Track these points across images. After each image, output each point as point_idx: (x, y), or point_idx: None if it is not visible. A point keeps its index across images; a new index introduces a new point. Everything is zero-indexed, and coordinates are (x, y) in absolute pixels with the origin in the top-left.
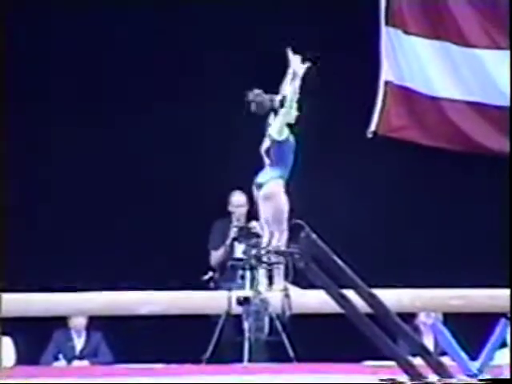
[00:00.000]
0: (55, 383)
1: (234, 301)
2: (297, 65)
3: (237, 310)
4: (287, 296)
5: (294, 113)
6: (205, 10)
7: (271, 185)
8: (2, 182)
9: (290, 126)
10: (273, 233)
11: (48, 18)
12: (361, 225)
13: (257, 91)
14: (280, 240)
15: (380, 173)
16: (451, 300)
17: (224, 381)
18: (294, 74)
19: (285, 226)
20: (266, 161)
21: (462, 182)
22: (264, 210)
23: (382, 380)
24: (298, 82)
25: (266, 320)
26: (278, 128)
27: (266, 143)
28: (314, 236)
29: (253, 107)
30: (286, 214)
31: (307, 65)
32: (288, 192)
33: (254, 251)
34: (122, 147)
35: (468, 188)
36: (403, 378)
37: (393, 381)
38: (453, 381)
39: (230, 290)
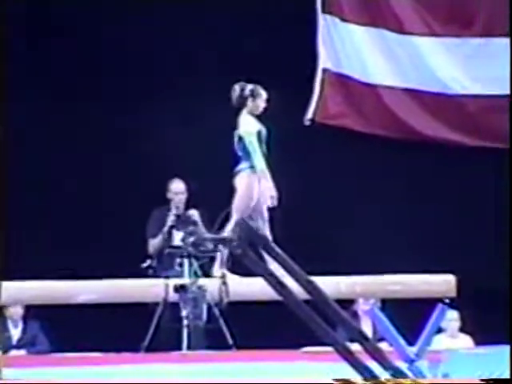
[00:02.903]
0: None
1: (171, 288)
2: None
3: (174, 297)
4: (225, 283)
5: (262, 104)
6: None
7: (240, 175)
8: None
9: (257, 117)
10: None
11: None
12: (299, 212)
13: (239, 83)
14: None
15: (318, 160)
16: (389, 286)
17: (162, 369)
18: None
19: (247, 215)
20: (240, 152)
21: (399, 169)
22: (235, 197)
23: (336, 380)
24: None
25: (204, 307)
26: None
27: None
28: (250, 223)
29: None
30: (249, 204)
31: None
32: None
33: (191, 239)
34: (59, 134)
35: (403, 175)
36: (358, 378)
37: (347, 381)
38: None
39: (167, 277)
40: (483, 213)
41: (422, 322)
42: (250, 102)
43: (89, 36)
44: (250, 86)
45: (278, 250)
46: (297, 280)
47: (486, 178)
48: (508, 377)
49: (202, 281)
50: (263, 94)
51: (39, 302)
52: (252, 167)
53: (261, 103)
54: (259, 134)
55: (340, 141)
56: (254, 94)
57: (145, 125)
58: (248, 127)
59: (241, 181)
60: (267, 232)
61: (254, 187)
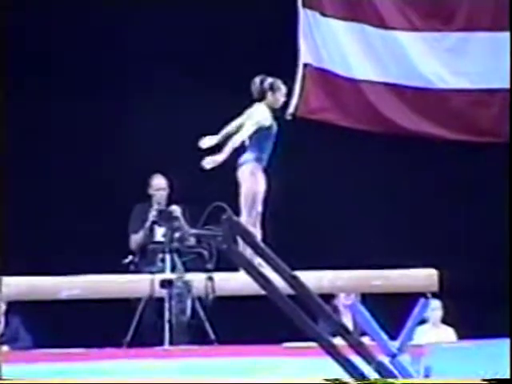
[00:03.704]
0: None
1: (157, 284)
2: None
3: (159, 293)
4: (210, 279)
5: (281, 98)
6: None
7: (244, 167)
8: None
9: (272, 110)
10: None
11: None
12: (281, 207)
13: (259, 76)
14: (248, 223)
15: (298, 155)
16: (372, 280)
17: (145, 364)
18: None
19: (256, 209)
20: (247, 143)
21: (381, 163)
22: (240, 191)
23: (327, 380)
24: None
25: (189, 303)
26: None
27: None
28: (235, 218)
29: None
30: (256, 198)
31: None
32: (267, 175)
33: (176, 234)
34: (43, 130)
35: (385, 170)
36: (348, 379)
37: (338, 381)
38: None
39: (151, 273)
40: (470, 207)
41: (404, 315)
42: (269, 96)
43: (81, 32)
44: (269, 80)
45: (262, 245)
46: (281, 275)
47: (473, 172)
48: (494, 371)
49: (188, 276)
50: (283, 88)
51: (22, 298)
52: (258, 159)
53: (280, 97)
54: (270, 128)
55: (321, 135)
56: (273, 88)
57: (127, 121)
58: (262, 119)
59: (245, 173)
60: (258, 226)
61: (259, 179)
